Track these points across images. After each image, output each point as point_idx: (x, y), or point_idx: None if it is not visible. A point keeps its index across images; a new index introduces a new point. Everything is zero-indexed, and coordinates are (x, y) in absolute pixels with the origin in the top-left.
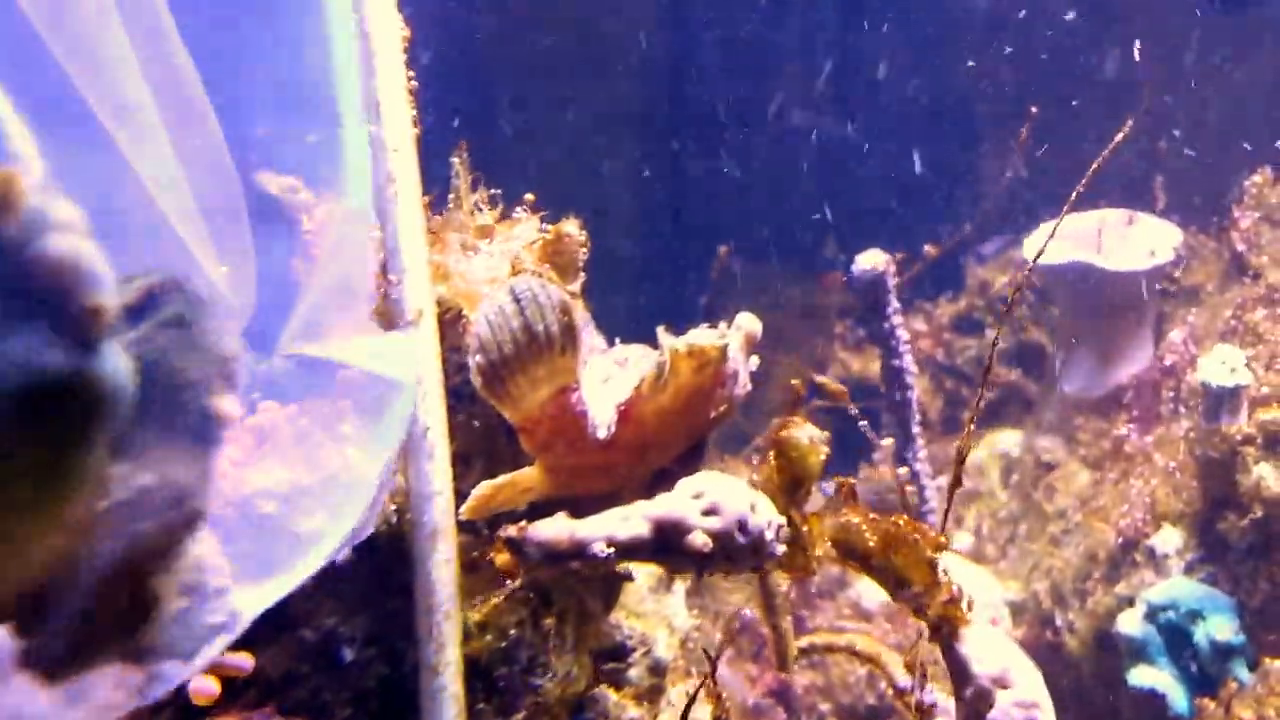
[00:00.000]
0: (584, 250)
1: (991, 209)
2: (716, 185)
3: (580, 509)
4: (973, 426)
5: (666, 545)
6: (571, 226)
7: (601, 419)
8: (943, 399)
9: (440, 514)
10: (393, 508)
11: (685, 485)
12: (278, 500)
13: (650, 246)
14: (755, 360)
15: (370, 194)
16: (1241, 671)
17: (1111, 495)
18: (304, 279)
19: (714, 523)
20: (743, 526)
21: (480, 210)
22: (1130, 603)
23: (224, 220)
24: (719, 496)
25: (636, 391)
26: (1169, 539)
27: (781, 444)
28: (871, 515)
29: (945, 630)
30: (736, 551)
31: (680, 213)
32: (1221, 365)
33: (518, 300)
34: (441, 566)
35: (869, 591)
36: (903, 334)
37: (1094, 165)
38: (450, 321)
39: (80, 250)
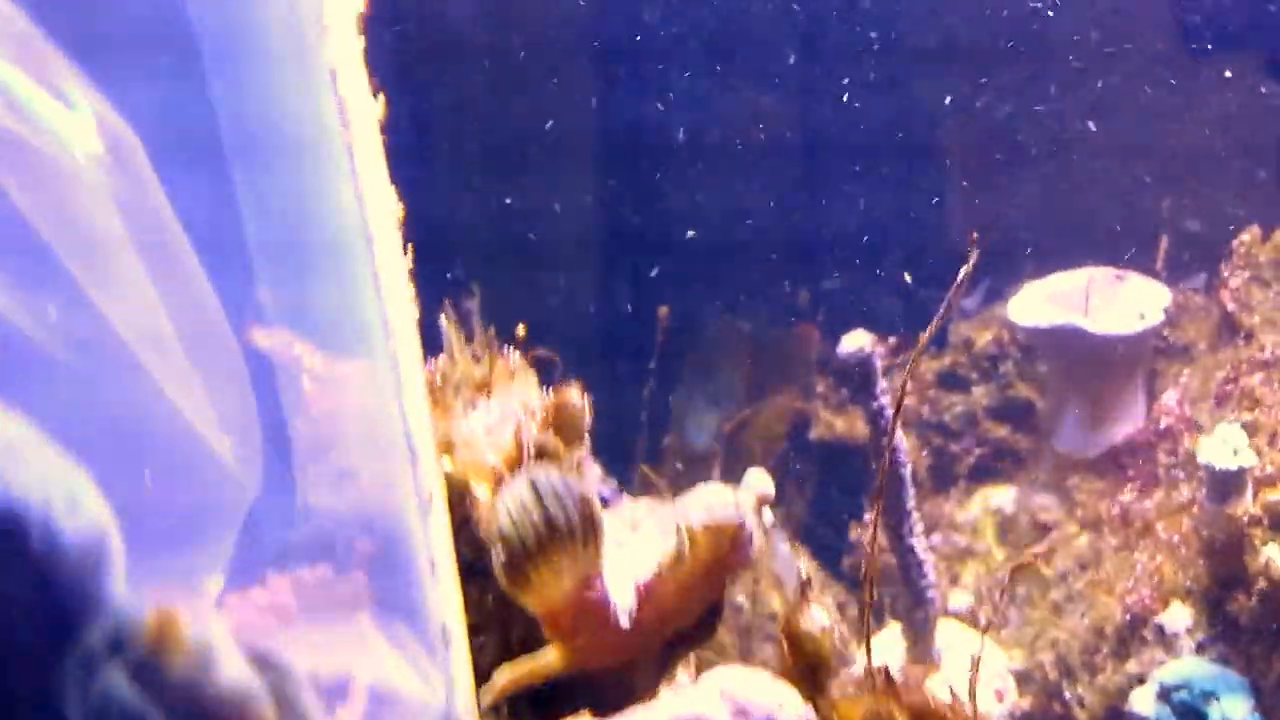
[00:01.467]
0: (587, 415)
1: (971, 259)
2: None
3: (595, 681)
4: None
5: None
6: (573, 393)
7: (624, 605)
8: (930, 455)
9: (462, 705)
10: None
11: (712, 682)
12: None
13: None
14: (769, 516)
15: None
16: None
17: (1114, 565)
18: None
19: None
20: None
21: (476, 359)
22: (1141, 680)
23: (228, 398)
24: (746, 696)
25: (657, 574)
26: (1178, 617)
27: (793, 638)
28: (902, 694)
29: None
30: None
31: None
32: (1224, 445)
33: (538, 492)
34: None
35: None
36: (892, 413)
37: None
38: (458, 496)
39: (248, 680)
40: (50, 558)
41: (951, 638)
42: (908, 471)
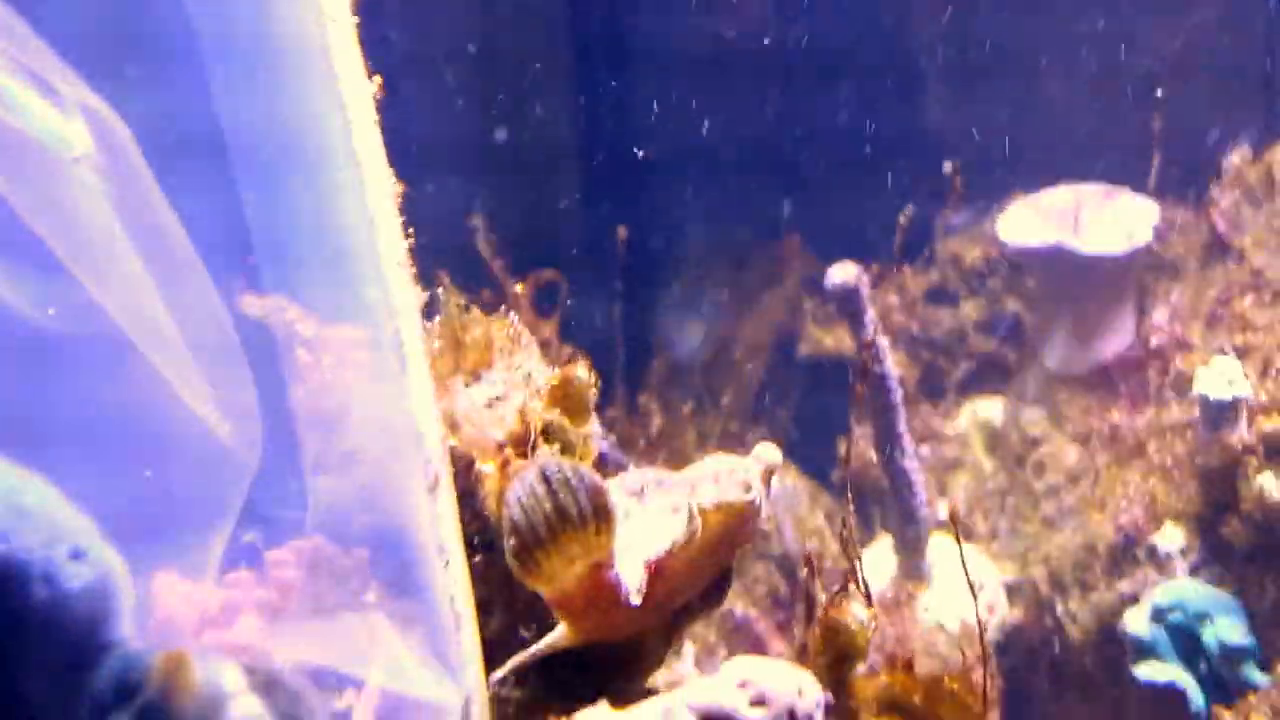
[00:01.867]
0: (593, 391)
1: (960, 173)
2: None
3: (602, 649)
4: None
5: None
6: (580, 370)
7: (633, 584)
8: (919, 369)
9: (471, 684)
10: None
11: (730, 671)
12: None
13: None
14: (775, 483)
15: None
16: (1253, 674)
17: (1106, 482)
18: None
19: (762, 715)
20: (792, 714)
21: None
22: (1134, 600)
23: (225, 376)
24: (766, 685)
25: (667, 553)
26: (1172, 538)
27: (831, 627)
28: (917, 675)
29: None
30: None
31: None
32: (1219, 377)
33: (548, 482)
34: None
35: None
36: (882, 340)
37: None
38: (463, 470)
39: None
40: (55, 609)
41: (942, 552)
42: (898, 396)
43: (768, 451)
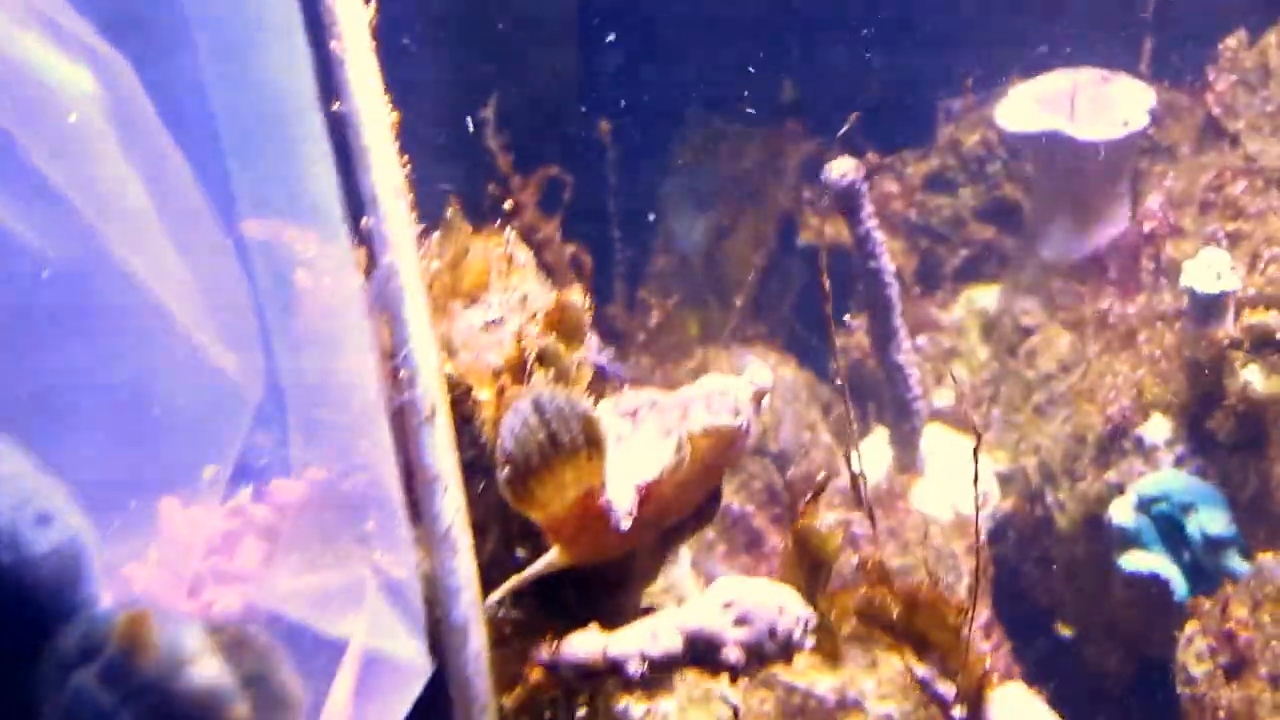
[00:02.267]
0: (588, 314)
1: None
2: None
3: (595, 567)
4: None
5: (699, 658)
6: (575, 294)
7: (623, 507)
8: (917, 258)
9: (468, 607)
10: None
11: (715, 593)
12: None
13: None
14: (766, 403)
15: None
16: (1234, 563)
17: (1096, 371)
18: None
19: (745, 633)
20: (773, 632)
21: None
22: (1120, 490)
23: (228, 307)
24: (749, 605)
25: (657, 477)
26: (1158, 429)
27: (802, 535)
28: (894, 584)
29: (972, 694)
30: (768, 655)
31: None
32: (1208, 270)
33: (541, 412)
34: (473, 659)
35: None
36: (879, 236)
37: None
38: (461, 397)
39: (217, 679)
40: (20, 570)
41: (936, 443)
42: (894, 291)
43: (759, 373)
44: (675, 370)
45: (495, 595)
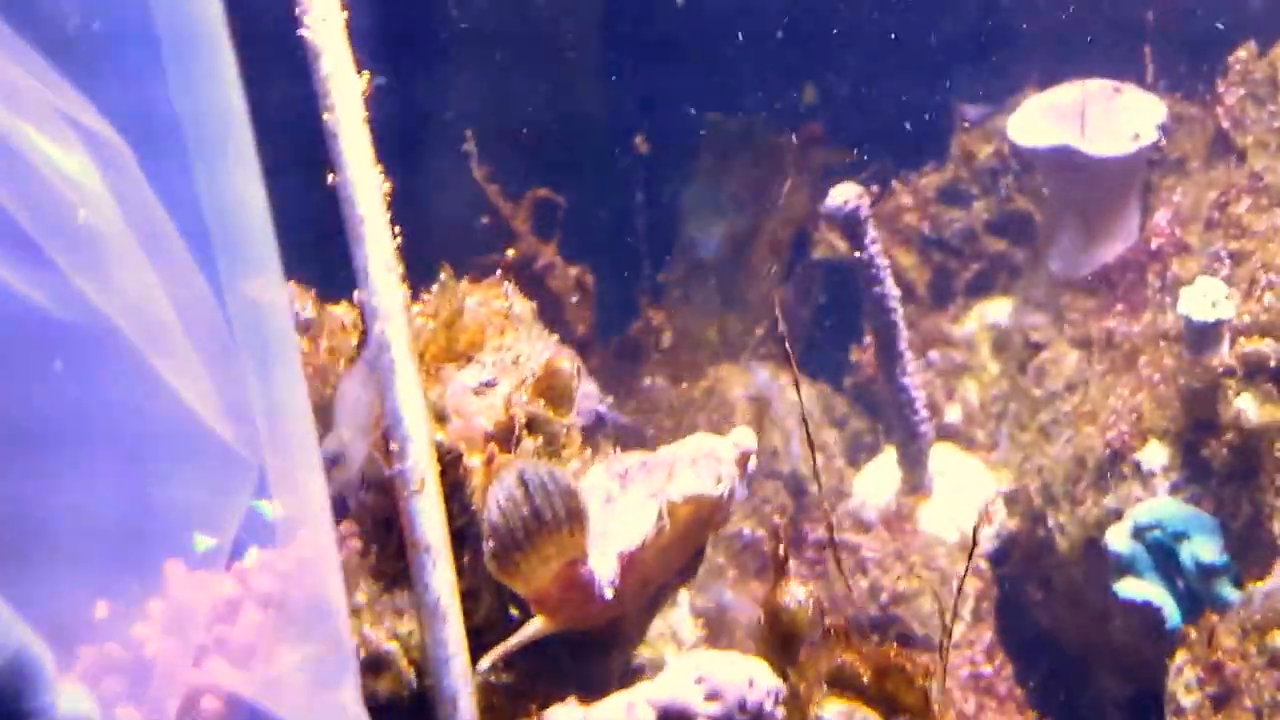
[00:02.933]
0: (576, 380)
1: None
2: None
3: (586, 633)
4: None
5: None
6: (563, 361)
7: (606, 577)
8: (930, 271)
9: (458, 677)
10: (412, 672)
11: (686, 666)
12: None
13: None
14: (753, 464)
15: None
16: (1226, 590)
17: (1100, 391)
18: None
19: (716, 708)
20: (743, 706)
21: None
22: (1118, 515)
23: (223, 371)
24: (720, 680)
25: (639, 546)
26: (1155, 456)
27: (773, 611)
28: (864, 649)
29: None
30: None
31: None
32: (1203, 299)
33: (526, 486)
34: None
35: (869, 502)
36: (882, 261)
37: None
38: (451, 464)
39: None
40: None
41: (944, 463)
42: (898, 315)
43: (744, 436)
44: (691, 390)
45: (485, 662)
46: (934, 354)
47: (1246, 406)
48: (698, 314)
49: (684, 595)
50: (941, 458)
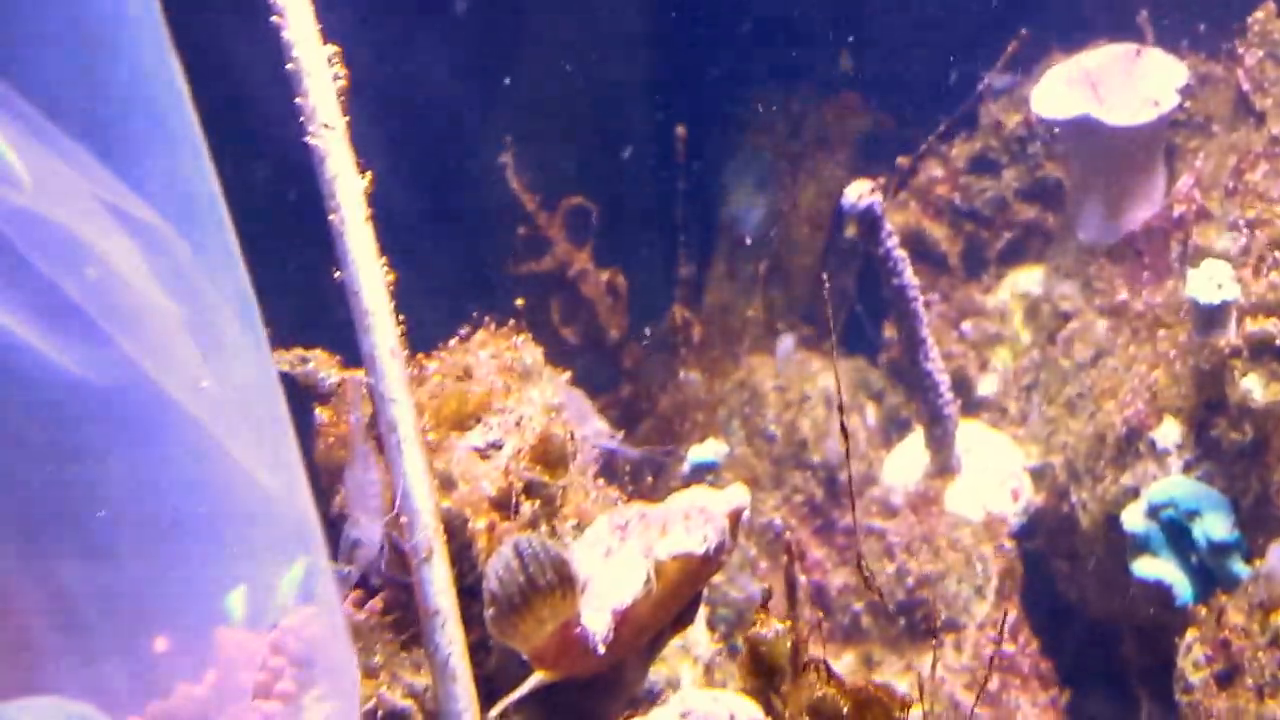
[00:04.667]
0: (570, 443)
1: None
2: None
3: (587, 684)
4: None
5: None
6: (557, 428)
7: (599, 633)
8: (962, 242)
9: None
10: None
11: (674, 703)
12: None
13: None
14: (746, 516)
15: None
16: (1237, 566)
17: (1122, 363)
18: None
19: None
20: None
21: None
22: (1135, 493)
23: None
24: (701, 715)
25: (631, 602)
26: (1169, 434)
27: (753, 644)
28: (844, 683)
29: None
30: None
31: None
32: (1209, 281)
33: (520, 557)
34: None
35: (895, 487)
36: (899, 254)
37: None
38: (459, 527)
39: None
40: None
41: (972, 440)
42: (919, 305)
43: (738, 494)
44: (721, 385)
45: (494, 712)
46: (967, 326)
47: (1253, 387)
48: (739, 291)
49: (701, 611)
50: (970, 435)
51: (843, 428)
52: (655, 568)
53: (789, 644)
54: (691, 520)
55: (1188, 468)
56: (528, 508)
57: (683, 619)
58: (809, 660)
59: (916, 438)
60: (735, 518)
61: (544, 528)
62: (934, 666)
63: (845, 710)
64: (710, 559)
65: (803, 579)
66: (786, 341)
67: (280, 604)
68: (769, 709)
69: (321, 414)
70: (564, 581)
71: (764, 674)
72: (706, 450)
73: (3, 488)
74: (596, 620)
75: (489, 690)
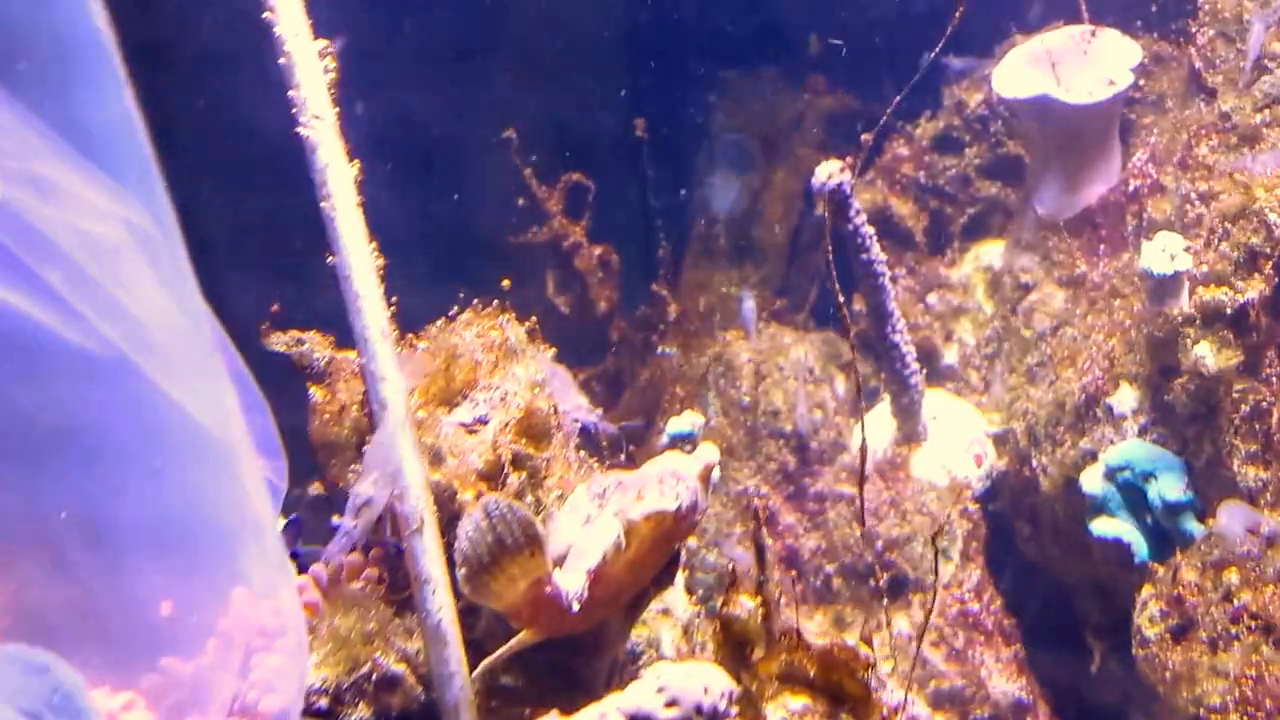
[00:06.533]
0: (554, 417)
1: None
2: None
3: (571, 643)
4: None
5: None
6: (541, 402)
7: (573, 592)
8: (927, 218)
9: (460, 690)
10: (420, 689)
11: (650, 677)
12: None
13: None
14: (716, 474)
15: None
16: (1190, 525)
17: (1080, 332)
18: None
19: (675, 714)
20: (699, 709)
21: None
22: (1093, 457)
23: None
24: (678, 689)
25: (603, 561)
26: (1125, 399)
27: (726, 622)
28: (811, 648)
29: None
30: None
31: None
32: (1162, 253)
33: (489, 517)
34: None
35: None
36: (867, 230)
37: None
38: (448, 499)
39: None
40: None
41: (938, 408)
42: (885, 280)
43: (707, 452)
44: (699, 359)
45: (480, 668)
46: (932, 299)
47: (1204, 354)
48: (715, 267)
49: (679, 577)
50: (936, 403)
51: (862, 426)
52: (629, 528)
53: (759, 619)
54: (665, 483)
55: (1143, 431)
56: (514, 479)
57: (661, 581)
58: (781, 628)
59: (884, 407)
60: (706, 475)
61: (529, 498)
62: (888, 623)
63: (812, 672)
64: (683, 516)
65: (775, 544)
66: (748, 303)
67: None
68: (739, 679)
69: (316, 392)
70: (531, 540)
71: (735, 648)
72: (684, 422)
73: None
74: (571, 580)
75: (478, 654)
